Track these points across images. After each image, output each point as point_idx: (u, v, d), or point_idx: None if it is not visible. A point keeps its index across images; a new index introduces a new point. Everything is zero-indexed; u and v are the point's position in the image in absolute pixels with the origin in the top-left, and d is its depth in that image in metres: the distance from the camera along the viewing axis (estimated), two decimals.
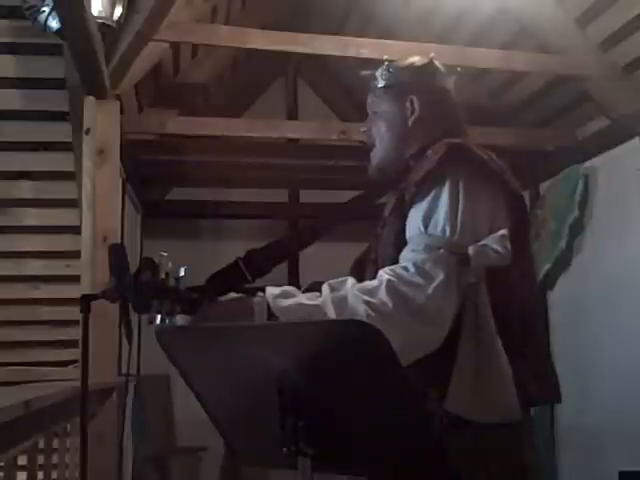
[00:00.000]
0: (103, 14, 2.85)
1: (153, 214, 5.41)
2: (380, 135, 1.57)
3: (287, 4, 5.06)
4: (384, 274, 1.32)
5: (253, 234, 5.81)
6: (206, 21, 4.16)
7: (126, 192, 4.35)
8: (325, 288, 1.35)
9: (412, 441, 1.09)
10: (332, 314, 1.29)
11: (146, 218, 5.35)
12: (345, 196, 5.27)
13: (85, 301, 1.59)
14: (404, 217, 1.41)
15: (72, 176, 3.62)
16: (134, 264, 1.35)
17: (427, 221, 1.36)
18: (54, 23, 2.93)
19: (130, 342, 1.65)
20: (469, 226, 1.34)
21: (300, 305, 1.33)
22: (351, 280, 1.36)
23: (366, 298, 1.28)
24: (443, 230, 1.34)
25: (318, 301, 1.32)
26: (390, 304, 1.27)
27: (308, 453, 1.09)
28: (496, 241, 1.32)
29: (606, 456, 3.78)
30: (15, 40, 3.51)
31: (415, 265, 1.31)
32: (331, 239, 5.64)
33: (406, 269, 1.31)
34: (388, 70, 1.59)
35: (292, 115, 5.80)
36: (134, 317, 1.41)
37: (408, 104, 1.53)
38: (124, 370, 3.21)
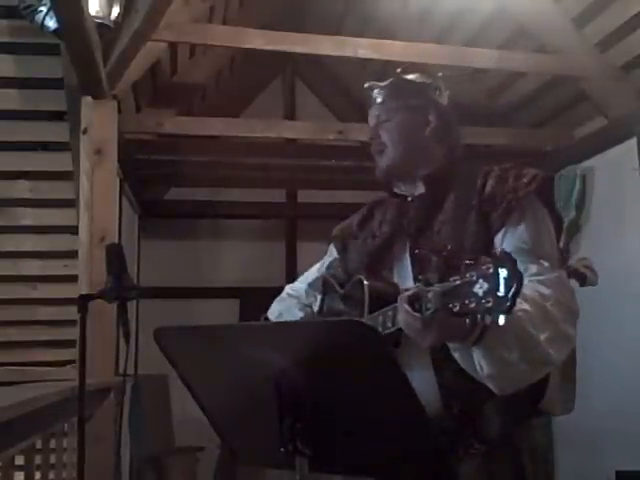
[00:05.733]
0: (100, 14, 2.85)
1: (151, 214, 5.40)
2: (394, 142, 1.62)
3: (285, 4, 5.06)
4: (539, 285, 1.40)
5: (251, 234, 5.81)
6: (204, 21, 4.16)
7: (123, 192, 4.35)
8: None
9: (411, 441, 1.09)
10: (530, 320, 1.35)
11: (144, 218, 5.34)
12: (345, 196, 5.20)
13: (83, 301, 1.59)
14: (485, 229, 1.48)
15: (70, 176, 3.62)
16: (132, 264, 1.35)
17: (535, 239, 1.46)
18: (51, 23, 2.94)
19: (128, 342, 1.65)
20: (557, 249, 1.53)
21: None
22: None
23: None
24: (551, 250, 1.49)
25: (525, 306, 1.33)
26: (561, 313, 1.45)
27: (306, 453, 1.09)
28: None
29: (603, 456, 3.78)
30: (13, 40, 3.51)
31: (559, 279, 1.45)
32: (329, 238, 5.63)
33: (554, 282, 1.43)
34: (399, 84, 1.65)
35: (290, 115, 5.80)
36: (132, 317, 1.41)
37: (423, 117, 1.62)
38: (122, 370, 3.20)
